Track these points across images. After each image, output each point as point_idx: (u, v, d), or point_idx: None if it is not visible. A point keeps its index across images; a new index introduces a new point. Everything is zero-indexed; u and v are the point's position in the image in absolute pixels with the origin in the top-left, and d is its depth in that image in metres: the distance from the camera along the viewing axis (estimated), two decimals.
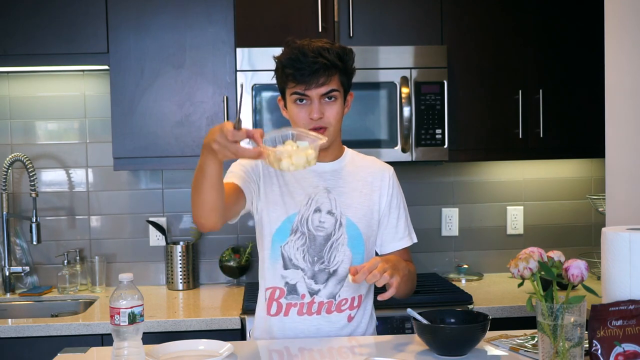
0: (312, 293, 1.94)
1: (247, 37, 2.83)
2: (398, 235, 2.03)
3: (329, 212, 1.94)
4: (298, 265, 1.94)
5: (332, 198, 1.95)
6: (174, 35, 2.87)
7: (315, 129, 1.86)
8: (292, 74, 1.86)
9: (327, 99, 1.88)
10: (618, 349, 1.50)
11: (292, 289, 1.95)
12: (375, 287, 1.95)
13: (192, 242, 3.17)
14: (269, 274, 1.97)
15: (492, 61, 2.95)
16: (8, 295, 3.05)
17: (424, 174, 3.29)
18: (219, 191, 1.70)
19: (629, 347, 1.50)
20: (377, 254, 2.05)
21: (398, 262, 1.85)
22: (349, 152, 2.05)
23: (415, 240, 2.07)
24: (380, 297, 1.74)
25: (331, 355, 1.77)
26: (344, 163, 2.01)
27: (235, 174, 1.94)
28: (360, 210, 1.97)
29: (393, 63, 2.83)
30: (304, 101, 1.89)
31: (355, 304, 1.97)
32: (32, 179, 3.00)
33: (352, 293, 1.96)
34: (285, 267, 1.94)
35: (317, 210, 1.94)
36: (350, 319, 1.96)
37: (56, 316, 2.95)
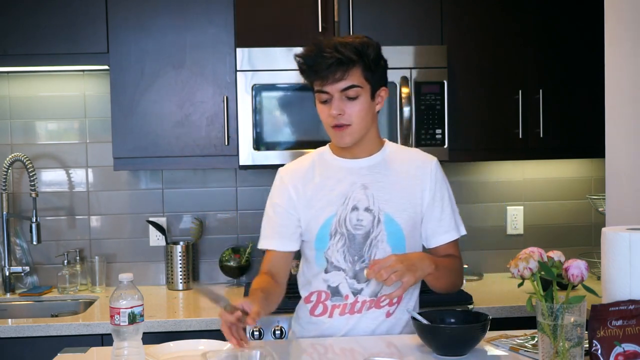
0: (355, 293, 1.92)
1: (247, 37, 2.82)
2: (442, 228, 1.97)
3: (367, 209, 1.91)
4: (339, 267, 1.92)
5: (369, 194, 1.92)
6: (174, 35, 2.87)
7: (336, 127, 1.87)
8: (306, 70, 1.86)
9: (348, 97, 1.86)
10: (618, 349, 1.50)
11: (335, 291, 1.93)
12: (423, 284, 1.93)
13: (192, 242, 3.17)
14: (314, 279, 1.96)
15: (492, 61, 2.95)
16: (8, 295, 3.05)
17: None
18: (272, 303, 1.88)
19: (629, 347, 1.50)
20: (424, 249, 2.01)
21: (420, 260, 1.80)
22: (388, 145, 2.01)
23: (464, 233, 2.02)
24: (384, 296, 1.73)
25: (331, 356, 1.77)
26: (382, 157, 1.97)
27: (273, 230, 1.98)
28: (401, 205, 1.92)
29: (393, 63, 2.77)
30: (327, 101, 1.87)
31: (395, 300, 1.92)
32: (32, 179, 3.00)
33: (395, 287, 1.87)
34: (327, 271, 1.94)
35: (355, 208, 1.91)
36: (388, 315, 1.93)
37: (56, 316, 2.95)
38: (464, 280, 3.16)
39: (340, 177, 1.95)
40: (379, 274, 1.70)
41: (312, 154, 2.04)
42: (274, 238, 1.98)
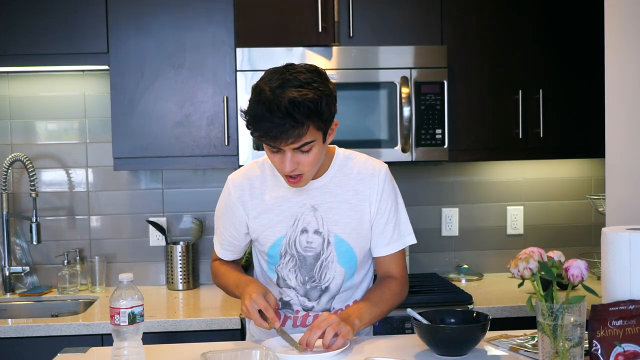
0: (306, 309, 1.94)
1: (247, 37, 2.82)
2: (384, 240, 1.94)
3: (316, 232, 1.89)
4: (290, 285, 1.93)
5: (318, 216, 1.89)
6: (174, 35, 2.87)
7: (289, 176, 1.80)
8: (258, 136, 1.71)
9: (302, 151, 1.74)
10: (618, 349, 1.50)
11: (286, 305, 1.95)
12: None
13: (192, 242, 3.17)
14: (268, 286, 1.96)
15: (492, 61, 2.95)
16: (8, 295, 3.05)
17: (424, 174, 3.29)
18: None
19: (629, 347, 1.50)
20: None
21: (355, 310, 1.85)
22: (337, 159, 1.93)
23: (409, 243, 1.97)
24: (332, 348, 1.71)
25: (330, 355, 1.77)
26: (332, 175, 1.91)
27: (224, 242, 2.01)
28: (350, 224, 1.90)
29: (393, 63, 2.83)
30: (278, 151, 1.75)
31: None
32: (32, 179, 3.00)
33: (346, 301, 1.96)
34: (279, 285, 1.95)
35: (304, 230, 1.89)
36: None
37: (56, 316, 2.95)
38: (463, 281, 3.18)
39: (290, 197, 1.90)
40: (312, 333, 1.71)
41: (263, 163, 1.95)
42: (225, 250, 2.03)
